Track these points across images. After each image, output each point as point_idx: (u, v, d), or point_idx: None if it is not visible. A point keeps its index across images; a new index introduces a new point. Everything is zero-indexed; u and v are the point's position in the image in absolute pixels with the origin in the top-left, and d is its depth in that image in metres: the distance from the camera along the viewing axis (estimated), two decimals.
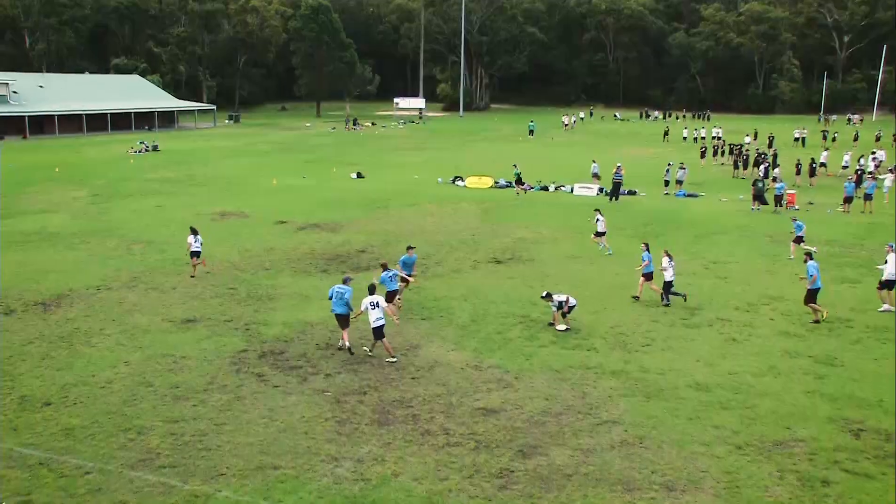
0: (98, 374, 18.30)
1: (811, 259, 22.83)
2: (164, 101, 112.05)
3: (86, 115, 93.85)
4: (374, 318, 18.95)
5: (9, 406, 16.56)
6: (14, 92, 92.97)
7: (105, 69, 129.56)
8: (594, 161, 52.78)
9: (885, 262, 24.23)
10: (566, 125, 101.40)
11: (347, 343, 19.71)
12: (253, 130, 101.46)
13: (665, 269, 23.84)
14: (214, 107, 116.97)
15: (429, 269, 28.42)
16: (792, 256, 30.33)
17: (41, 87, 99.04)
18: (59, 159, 64.63)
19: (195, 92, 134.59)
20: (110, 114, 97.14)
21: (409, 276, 23.68)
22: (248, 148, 76.73)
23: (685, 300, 24.15)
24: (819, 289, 22.61)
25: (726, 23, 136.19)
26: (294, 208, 41.04)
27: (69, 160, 64.58)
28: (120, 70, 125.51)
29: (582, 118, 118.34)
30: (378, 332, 19.08)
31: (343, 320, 19.69)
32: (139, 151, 72.59)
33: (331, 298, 19.71)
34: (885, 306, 23.49)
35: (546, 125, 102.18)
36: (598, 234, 30.86)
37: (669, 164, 50.27)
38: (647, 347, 20.44)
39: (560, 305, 21.84)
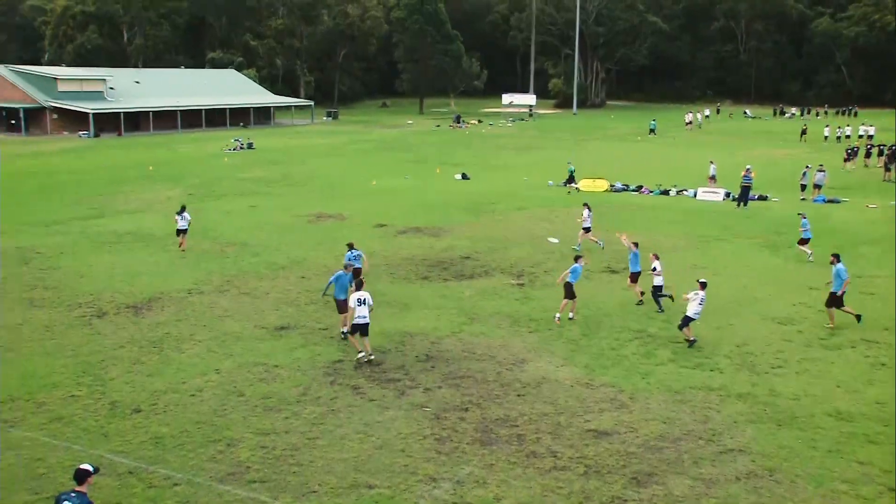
0: (188, 381, 18.95)
1: (839, 261, 23.19)
2: (261, 96, 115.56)
3: (180, 111, 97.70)
4: (360, 314, 19.81)
5: (99, 411, 17.32)
6: (111, 88, 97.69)
7: (201, 63, 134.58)
8: (712, 162, 51.54)
9: None
10: (689, 123, 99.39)
11: (345, 329, 21.04)
12: (352, 128, 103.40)
13: (655, 272, 24.19)
14: (312, 103, 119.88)
15: (537, 277, 28.29)
16: (810, 257, 30.92)
17: (137, 82, 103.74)
18: (154, 157, 67.42)
19: (292, 87, 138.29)
20: (205, 110, 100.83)
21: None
22: (346, 146, 78.24)
23: (672, 300, 24.37)
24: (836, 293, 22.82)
25: (884, 3, 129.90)
26: (394, 211, 41.56)
27: (163, 158, 67.29)
28: (216, 64, 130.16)
29: (707, 116, 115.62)
30: (361, 329, 19.95)
31: (342, 305, 21.39)
32: (234, 149, 75.10)
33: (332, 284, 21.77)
34: None
35: (667, 123, 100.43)
36: (586, 230, 32.79)
37: (807, 167, 48.51)
38: (778, 369, 19.77)
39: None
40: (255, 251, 32.54)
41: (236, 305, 24.85)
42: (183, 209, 32.91)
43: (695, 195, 47.07)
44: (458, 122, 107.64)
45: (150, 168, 59.68)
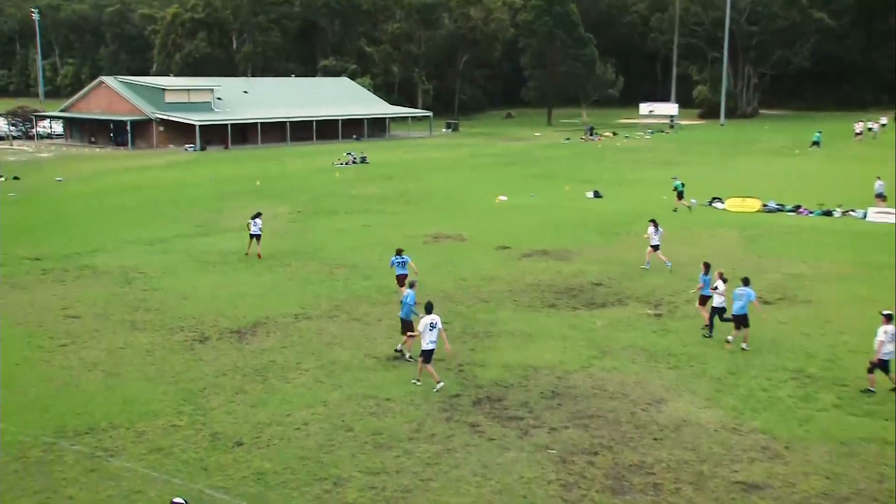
0: (293, 413, 19.34)
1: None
2: (375, 106, 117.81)
3: (290, 122, 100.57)
4: (429, 340, 20.55)
5: (200, 443, 17.87)
6: (219, 98, 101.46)
7: (312, 71, 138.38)
8: (879, 178, 49.51)
9: None
10: (859, 134, 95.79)
11: (405, 351, 22.37)
12: (473, 140, 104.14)
13: (717, 292, 24.49)
14: (430, 113, 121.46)
15: (678, 307, 27.75)
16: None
17: (245, 92, 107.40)
18: (261, 171, 69.49)
19: (409, 96, 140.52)
20: (316, 121, 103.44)
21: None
22: (467, 160, 78.82)
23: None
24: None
25: None
26: (519, 231, 41.56)
27: (271, 172, 69.29)
28: (328, 72, 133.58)
29: (884, 124, 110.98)
30: (430, 356, 20.64)
31: (402, 325, 22.58)
32: (346, 164, 76.69)
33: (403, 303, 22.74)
34: None
35: (832, 135, 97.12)
36: (654, 248, 33.43)
37: None
38: None
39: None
40: (367, 274, 33.06)
41: (346, 332, 25.27)
42: (257, 215, 36.65)
43: (864, 216, 45.29)
44: (591, 135, 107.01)
45: (258, 183, 61.54)
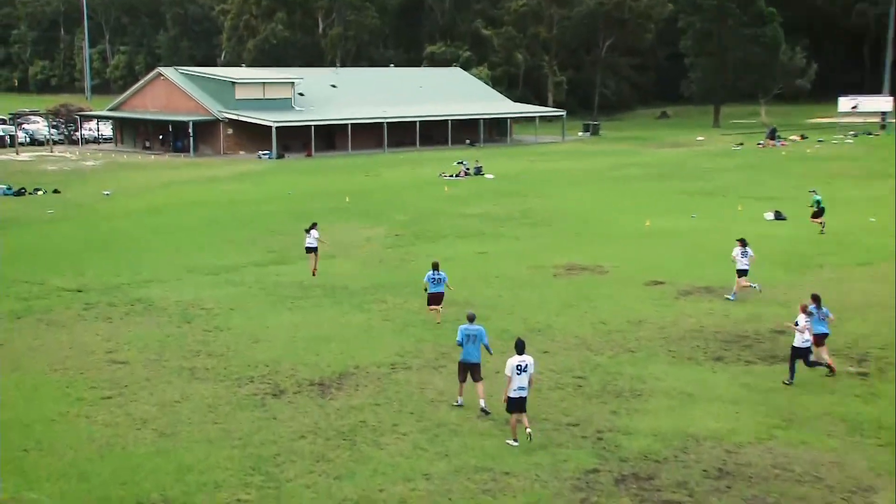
0: (387, 488, 19.39)
1: None
2: (494, 103, 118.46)
3: (387, 123, 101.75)
4: (517, 385, 21.15)
5: None
6: (300, 94, 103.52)
7: (416, 60, 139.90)
8: None
9: None
10: None
11: (481, 401, 23.14)
12: (618, 146, 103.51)
13: (797, 328, 25.51)
14: (563, 112, 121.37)
15: (889, 364, 26.97)
16: None
17: (333, 86, 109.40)
18: (351, 184, 70.45)
19: (537, 91, 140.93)
20: (420, 122, 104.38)
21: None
22: (609, 173, 78.41)
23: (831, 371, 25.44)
24: None
25: None
26: (675, 263, 41.06)
27: (363, 186, 70.17)
28: (435, 61, 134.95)
29: None
30: (517, 405, 21.25)
31: (462, 369, 23.53)
32: (457, 175, 77.25)
33: (459, 344, 23.62)
34: None
35: None
36: (740, 274, 34.96)
37: None
38: None
39: None
40: (481, 313, 32.78)
41: (454, 387, 25.26)
42: (313, 226, 39.97)
43: None
44: (772, 138, 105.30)
45: (347, 200, 62.36)
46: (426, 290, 31.75)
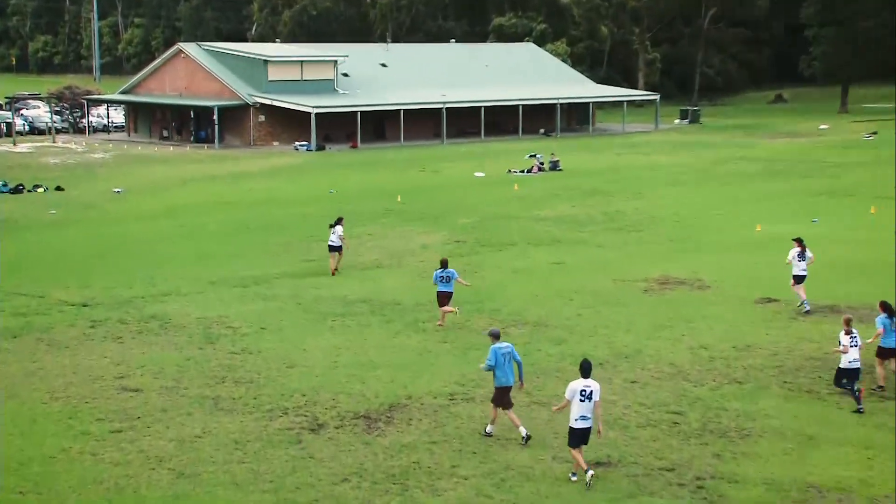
0: None
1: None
2: (574, 85, 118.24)
3: (446, 109, 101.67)
4: (580, 413, 21.20)
5: None
6: (344, 75, 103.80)
7: (482, 35, 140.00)
8: None
9: None
10: None
11: (520, 428, 23.56)
12: (722, 137, 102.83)
13: (842, 349, 26.22)
14: (657, 96, 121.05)
15: None
16: None
17: (383, 65, 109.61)
18: (404, 182, 70.47)
19: (626, 71, 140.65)
20: (485, 108, 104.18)
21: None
22: (712, 168, 77.95)
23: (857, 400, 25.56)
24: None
25: None
26: (790, 276, 40.55)
27: (418, 183, 70.19)
28: (504, 35, 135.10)
29: None
30: (581, 437, 21.32)
31: (503, 394, 23.81)
32: (528, 171, 77.15)
33: (491, 368, 23.93)
34: None
35: None
36: (797, 281, 35.78)
37: None
38: None
39: None
40: (557, 335, 32.80)
41: (525, 422, 25.03)
42: (338, 221, 42.04)
43: None
44: None
45: (399, 200, 62.40)
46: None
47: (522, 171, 76.90)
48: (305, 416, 25.83)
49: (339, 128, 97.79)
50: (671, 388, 27.64)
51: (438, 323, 33.48)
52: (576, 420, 21.05)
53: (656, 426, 24.90)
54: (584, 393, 21.01)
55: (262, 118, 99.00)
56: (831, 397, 27.00)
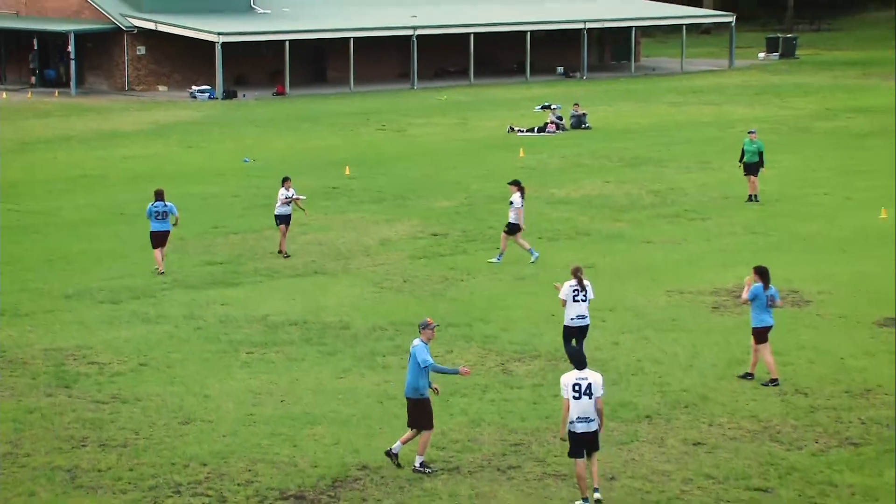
0: None
1: None
2: (608, 5, 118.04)
3: (416, 38, 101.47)
4: (578, 413, 22.74)
5: None
6: None
7: None
8: None
9: None
10: None
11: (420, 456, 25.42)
12: (829, 78, 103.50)
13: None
14: (732, 18, 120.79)
15: None
16: None
17: None
18: (355, 146, 70.80)
19: None
20: (474, 36, 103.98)
21: None
22: (813, 124, 78.63)
23: None
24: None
25: None
26: None
27: (377, 148, 70.57)
28: None
29: None
30: (582, 443, 22.66)
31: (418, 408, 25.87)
32: (540, 129, 77.23)
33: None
34: None
35: None
36: None
37: None
38: None
39: None
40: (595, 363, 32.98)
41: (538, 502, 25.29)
42: (284, 182, 45.76)
43: None
44: None
45: (348, 173, 62.56)
46: None
47: (531, 130, 77.05)
48: (208, 495, 25.78)
49: (257, 65, 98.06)
50: (753, 454, 27.73)
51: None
52: (576, 423, 21.73)
53: (750, 479, 25.17)
54: (577, 388, 21.83)
55: (141, 50, 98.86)
56: None
